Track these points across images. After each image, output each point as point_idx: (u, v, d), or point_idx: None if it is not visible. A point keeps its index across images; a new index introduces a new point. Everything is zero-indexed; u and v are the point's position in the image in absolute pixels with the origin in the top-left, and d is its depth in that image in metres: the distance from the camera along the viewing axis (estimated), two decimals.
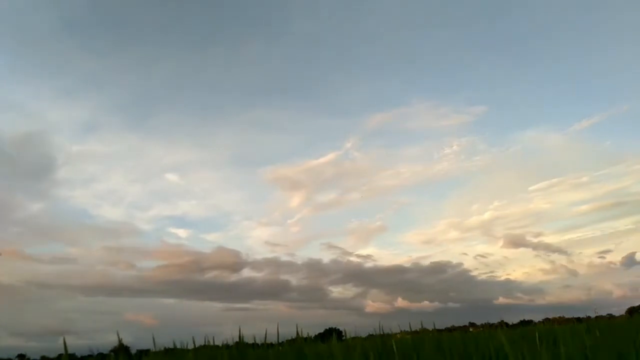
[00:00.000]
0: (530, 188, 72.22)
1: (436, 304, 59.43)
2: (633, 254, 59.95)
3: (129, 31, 72.42)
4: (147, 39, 76.11)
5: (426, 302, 60.57)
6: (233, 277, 65.05)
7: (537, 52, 74.36)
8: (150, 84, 75.81)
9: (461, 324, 30.63)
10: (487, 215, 73.59)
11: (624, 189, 69.27)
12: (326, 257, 73.64)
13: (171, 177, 74.42)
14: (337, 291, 66.78)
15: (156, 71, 75.14)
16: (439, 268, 66.72)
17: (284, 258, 70.32)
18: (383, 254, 74.96)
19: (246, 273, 65.76)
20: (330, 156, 73.51)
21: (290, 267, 66.45)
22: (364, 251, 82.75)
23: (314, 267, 66.30)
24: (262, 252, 78.23)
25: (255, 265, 66.78)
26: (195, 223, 76.42)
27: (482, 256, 68.70)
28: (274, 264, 66.33)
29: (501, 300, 60.34)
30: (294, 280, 66.40)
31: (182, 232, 71.80)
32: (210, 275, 64.28)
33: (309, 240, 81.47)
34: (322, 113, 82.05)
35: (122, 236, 74.40)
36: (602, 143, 74.50)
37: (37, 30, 69.35)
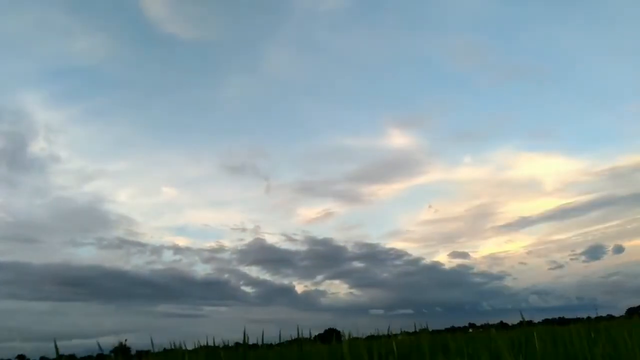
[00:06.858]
0: (515, 193, 74.14)
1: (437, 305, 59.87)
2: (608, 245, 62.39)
3: (140, 72, 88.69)
4: (149, 79, 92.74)
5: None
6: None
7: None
8: (158, 113, 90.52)
9: (460, 325, 30.65)
10: (473, 217, 74.97)
11: (609, 195, 75.74)
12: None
13: (171, 190, 76.80)
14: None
15: (164, 102, 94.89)
16: (431, 268, 67.48)
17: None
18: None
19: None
20: (323, 174, 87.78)
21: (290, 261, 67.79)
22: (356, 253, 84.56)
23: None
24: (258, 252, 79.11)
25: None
26: (195, 232, 78.86)
27: (476, 256, 68.95)
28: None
29: (494, 300, 60.58)
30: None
31: (181, 240, 73.33)
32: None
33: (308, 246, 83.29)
34: (305, 138, 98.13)
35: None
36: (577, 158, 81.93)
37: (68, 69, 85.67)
